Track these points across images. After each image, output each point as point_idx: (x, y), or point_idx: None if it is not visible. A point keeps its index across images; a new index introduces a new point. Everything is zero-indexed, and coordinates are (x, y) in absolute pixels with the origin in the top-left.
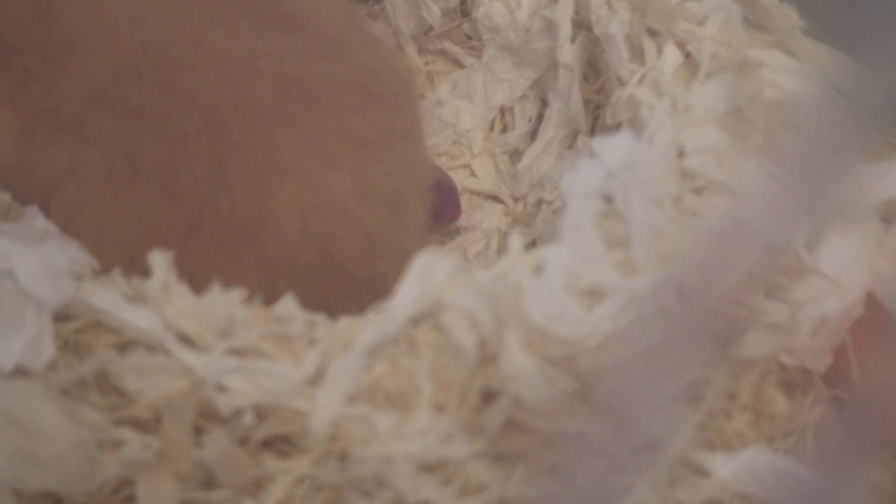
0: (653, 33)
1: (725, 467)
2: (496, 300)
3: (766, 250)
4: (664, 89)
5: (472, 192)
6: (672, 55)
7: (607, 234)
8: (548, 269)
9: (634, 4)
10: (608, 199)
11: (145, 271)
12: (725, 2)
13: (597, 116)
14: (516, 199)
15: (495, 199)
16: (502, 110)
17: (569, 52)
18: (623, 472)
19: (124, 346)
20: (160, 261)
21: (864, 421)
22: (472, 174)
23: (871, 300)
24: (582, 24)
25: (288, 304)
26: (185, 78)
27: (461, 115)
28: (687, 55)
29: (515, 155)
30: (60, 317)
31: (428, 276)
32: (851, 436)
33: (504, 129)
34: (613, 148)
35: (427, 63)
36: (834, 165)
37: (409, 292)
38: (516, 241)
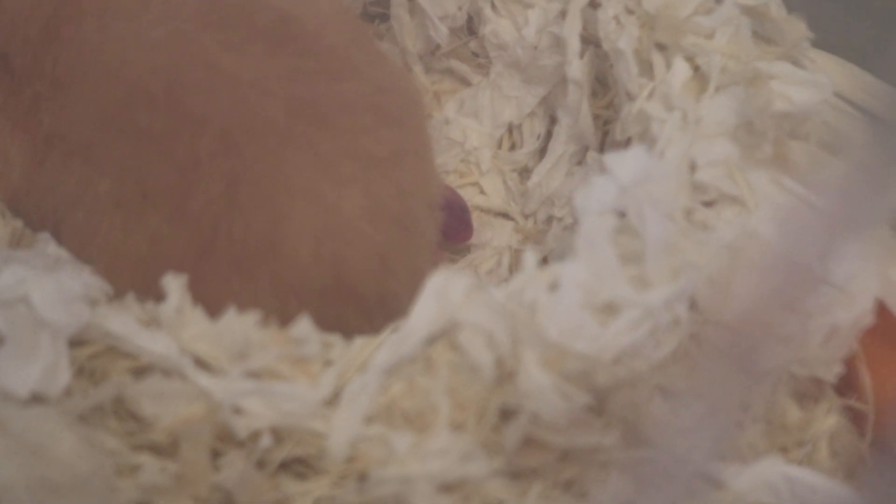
0: (661, 47)
1: (740, 478)
2: (512, 318)
3: (783, 264)
4: (674, 103)
5: (482, 210)
6: (681, 69)
7: (621, 249)
8: (563, 285)
9: (643, 19)
10: (621, 215)
11: (158, 295)
12: (734, 15)
13: (606, 132)
14: (526, 216)
15: (505, 216)
16: (510, 128)
17: (577, 68)
18: (639, 486)
19: (140, 371)
20: (174, 285)
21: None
22: (482, 192)
23: (881, 309)
24: (590, 40)
25: (303, 326)
26: (195, 101)
27: (469, 134)
28: (696, 69)
29: (524, 172)
30: (75, 342)
31: (443, 294)
32: (872, 449)
33: (512, 147)
34: (627, 163)
35: (434, 83)
36: (854, 178)
37: (424, 311)
38: (531, 257)
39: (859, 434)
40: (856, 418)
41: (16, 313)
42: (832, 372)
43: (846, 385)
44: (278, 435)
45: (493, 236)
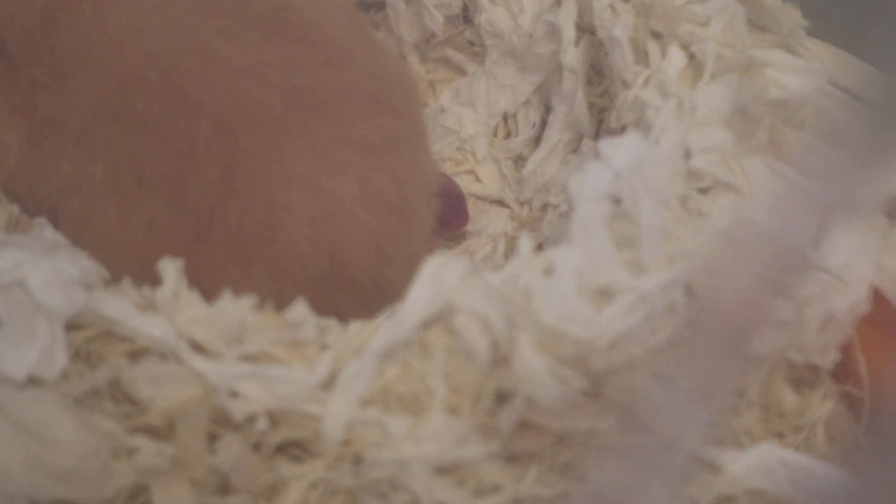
0: (656, 35)
1: (736, 463)
2: (508, 302)
3: (775, 249)
4: (670, 91)
5: (478, 197)
6: (676, 57)
7: (616, 235)
8: (558, 270)
9: (638, 7)
10: (616, 201)
11: (154, 281)
12: (728, 3)
13: (601, 120)
14: (521, 204)
15: (500, 203)
16: (505, 116)
17: (573, 56)
18: (636, 470)
19: (136, 354)
20: (170, 269)
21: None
22: (477, 179)
23: (877, 297)
24: (585, 28)
25: (299, 310)
26: (192, 88)
27: (464, 123)
28: (691, 57)
29: (519, 160)
30: (71, 326)
31: (439, 279)
32: (867, 435)
33: (507, 135)
34: (622, 150)
35: (429, 72)
36: (846, 164)
37: (420, 296)
38: (526, 242)
39: (855, 420)
40: (852, 404)
41: (12, 297)
42: (828, 359)
43: (842, 371)
44: (274, 418)
45: (488, 223)
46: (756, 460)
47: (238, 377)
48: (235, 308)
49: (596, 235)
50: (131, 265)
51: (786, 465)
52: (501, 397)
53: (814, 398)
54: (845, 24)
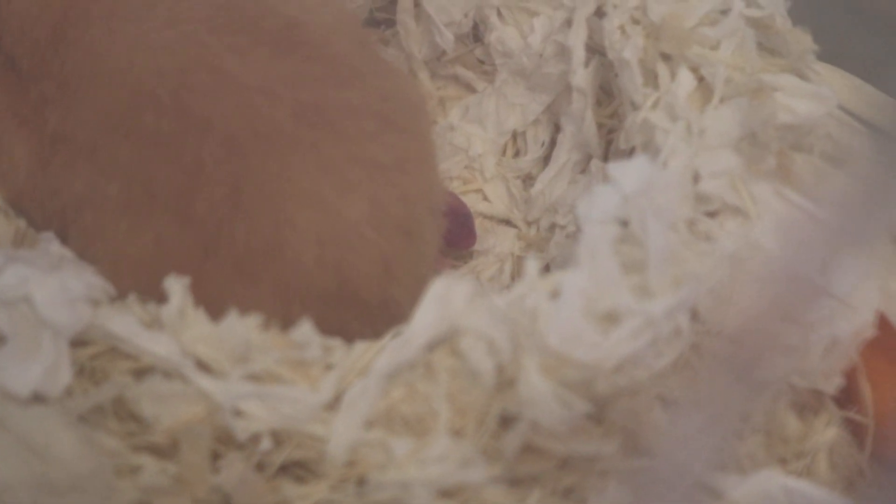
0: (666, 58)
1: (739, 489)
2: (514, 325)
3: (784, 275)
4: (679, 113)
5: (485, 217)
6: (686, 79)
7: (623, 258)
8: (565, 293)
9: (648, 29)
10: (624, 224)
11: (161, 297)
12: (739, 26)
13: (609, 141)
14: (529, 224)
15: (508, 223)
16: (514, 135)
17: (582, 77)
18: (639, 495)
19: (141, 372)
20: (176, 287)
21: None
22: (485, 198)
23: (882, 322)
24: (595, 49)
25: (304, 329)
26: (201, 104)
27: (473, 140)
28: (701, 79)
29: (528, 180)
30: (76, 343)
31: (445, 300)
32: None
33: (516, 154)
34: (630, 173)
35: (439, 88)
36: (855, 190)
37: (426, 317)
38: (533, 265)
39: (859, 446)
40: (855, 430)
41: (18, 313)
42: (832, 384)
43: (846, 397)
44: (278, 438)
45: (495, 243)
46: (758, 486)
47: (242, 396)
48: (241, 327)
49: (603, 259)
50: (139, 280)
51: (787, 492)
52: (506, 420)
53: (817, 424)
54: (856, 48)
